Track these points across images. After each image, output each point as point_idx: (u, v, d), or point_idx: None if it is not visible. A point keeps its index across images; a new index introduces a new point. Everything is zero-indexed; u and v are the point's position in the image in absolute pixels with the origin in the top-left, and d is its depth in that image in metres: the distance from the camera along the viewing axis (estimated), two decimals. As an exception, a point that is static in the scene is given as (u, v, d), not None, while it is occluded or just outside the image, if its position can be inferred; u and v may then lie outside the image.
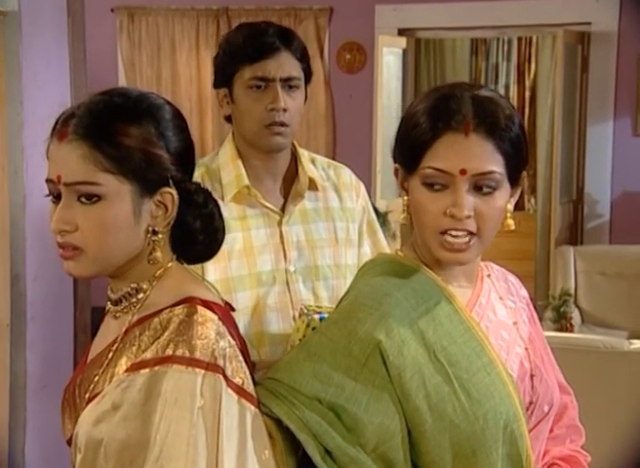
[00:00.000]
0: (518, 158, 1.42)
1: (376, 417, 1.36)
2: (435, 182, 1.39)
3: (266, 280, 2.05)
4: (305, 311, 1.85)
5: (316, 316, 1.83)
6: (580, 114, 5.75)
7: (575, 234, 5.80)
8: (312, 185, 2.12)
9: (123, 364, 1.36)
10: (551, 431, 1.60)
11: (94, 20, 6.43)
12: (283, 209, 2.09)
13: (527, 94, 7.19)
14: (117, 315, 1.44)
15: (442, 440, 1.37)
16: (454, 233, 1.39)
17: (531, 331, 1.58)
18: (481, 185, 1.38)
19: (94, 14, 6.33)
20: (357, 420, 1.36)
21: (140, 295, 1.41)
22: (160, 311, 1.37)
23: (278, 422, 1.38)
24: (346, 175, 2.23)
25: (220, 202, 2.01)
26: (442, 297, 1.46)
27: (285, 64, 2.02)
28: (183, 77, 6.35)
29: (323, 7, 6.10)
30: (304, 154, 2.17)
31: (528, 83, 7.17)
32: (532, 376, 1.50)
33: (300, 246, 2.09)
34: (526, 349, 1.53)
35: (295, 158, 2.14)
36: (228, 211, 2.01)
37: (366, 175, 6.27)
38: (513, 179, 1.43)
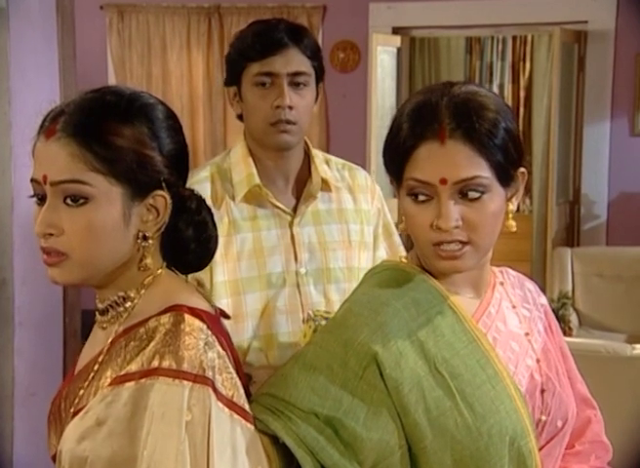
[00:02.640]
0: (506, 159, 1.34)
1: (374, 433, 1.30)
2: (419, 193, 1.35)
3: (276, 282, 2.00)
4: (312, 316, 1.79)
5: (324, 322, 1.77)
6: (577, 114, 5.71)
7: (571, 235, 5.76)
8: (325, 186, 2.08)
9: (108, 377, 1.30)
10: (572, 447, 1.53)
11: (83, 18, 6.34)
12: (295, 209, 2.05)
13: (522, 93, 7.15)
14: (104, 325, 1.37)
15: (444, 456, 1.31)
16: (444, 246, 1.34)
17: (546, 342, 1.51)
18: (466, 191, 1.33)
19: (82, 11, 6.24)
20: (355, 436, 1.30)
21: (128, 304, 1.34)
22: (146, 320, 1.31)
23: (274, 439, 1.32)
24: (362, 176, 2.20)
25: (230, 202, 1.99)
26: (445, 307, 1.40)
27: (292, 60, 1.97)
28: (174, 76, 6.29)
29: (316, 5, 6.05)
30: (318, 155, 2.13)
31: (523, 82, 7.14)
32: (542, 391, 1.43)
33: (311, 247, 2.05)
34: (537, 361, 1.45)
35: (308, 158, 2.10)
36: (239, 211, 2.00)
37: (360, 176, 6.22)
38: (505, 180, 1.36)
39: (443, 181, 1.31)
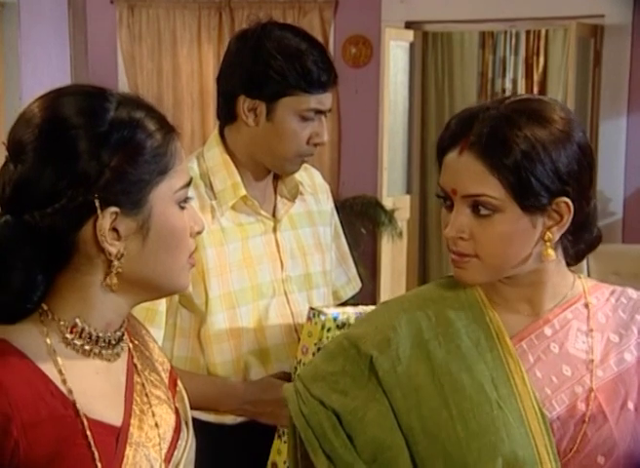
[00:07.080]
0: (526, 184, 1.29)
1: (370, 429, 1.33)
2: (442, 197, 1.39)
3: (267, 291, 1.95)
4: (317, 312, 1.76)
5: (330, 315, 1.75)
6: (593, 110, 5.63)
7: (586, 232, 5.68)
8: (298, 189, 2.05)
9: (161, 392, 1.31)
10: None
11: (93, 13, 6.32)
12: (273, 214, 2.00)
13: (535, 88, 7.08)
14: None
15: (436, 464, 1.30)
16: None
17: (623, 373, 1.39)
18: (477, 206, 1.33)
19: (93, 6, 6.22)
20: (353, 429, 1.35)
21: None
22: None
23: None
24: (318, 175, 2.16)
25: (216, 209, 1.90)
26: (479, 320, 1.38)
27: (332, 95, 1.94)
28: (185, 71, 6.25)
29: (328, -1, 5.98)
30: None
31: (536, 77, 7.06)
32: (583, 422, 1.33)
33: (293, 253, 2.00)
34: (590, 391, 1.35)
35: None
36: (225, 219, 1.91)
37: (372, 172, 6.15)
38: (526, 206, 1.31)
39: (453, 192, 1.35)
